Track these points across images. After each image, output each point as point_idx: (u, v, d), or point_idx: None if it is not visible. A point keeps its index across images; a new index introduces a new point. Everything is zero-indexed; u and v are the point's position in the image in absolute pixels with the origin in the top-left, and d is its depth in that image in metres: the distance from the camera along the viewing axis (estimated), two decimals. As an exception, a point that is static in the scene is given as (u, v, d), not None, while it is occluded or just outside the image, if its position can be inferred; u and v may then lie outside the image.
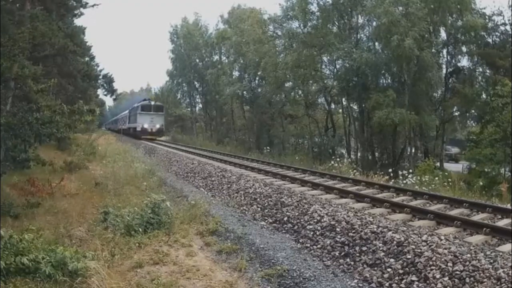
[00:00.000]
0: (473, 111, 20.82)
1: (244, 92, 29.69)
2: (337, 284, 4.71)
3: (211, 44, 37.87)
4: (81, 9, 14.61)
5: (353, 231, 5.84)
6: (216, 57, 38.99)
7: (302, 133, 27.07)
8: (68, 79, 16.44)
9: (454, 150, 26.45)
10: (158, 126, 36.02)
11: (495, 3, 35.14)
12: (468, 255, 4.57)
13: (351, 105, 22.98)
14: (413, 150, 20.31)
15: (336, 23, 23.05)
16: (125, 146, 26.19)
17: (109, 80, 18.43)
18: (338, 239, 5.82)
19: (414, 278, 4.54)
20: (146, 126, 35.30)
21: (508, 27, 19.75)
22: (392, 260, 4.95)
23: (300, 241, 6.19)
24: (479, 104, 18.82)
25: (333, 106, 25.57)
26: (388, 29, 18.05)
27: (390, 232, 5.46)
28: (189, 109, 45.56)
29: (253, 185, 9.59)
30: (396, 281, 4.60)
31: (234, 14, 34.64)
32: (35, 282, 4.43)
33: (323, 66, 24.18)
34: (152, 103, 37.35)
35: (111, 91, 19.25)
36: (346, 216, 6.36)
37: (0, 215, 6.88)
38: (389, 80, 21.81)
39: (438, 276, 4.40)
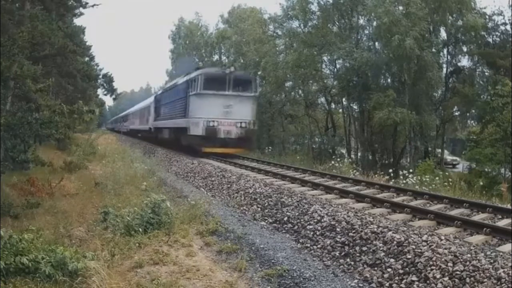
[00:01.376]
0: (473, 111, 20.82)
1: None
2: (337, 284, 4.71)
3: (211, 44, 37.83)
4: (81, 9, 14.59)
5: (353, 231, 5.83)
6: (216, 57, 38.98)
7: (302, 133, 27.07)
8: (67, 79, 16.44)
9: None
10: (243, 124, 16.01)
11: (496, 2, 35.27)
12: (469, 255, 4.56)
13: (351, 105, 23.00)
14: (413, 150, 20.31)
15: (337, 23, 23.07)
16: (125, 146, 26.20)
17: (109, 80, 18.39)
18: (338, 239, 5.81)
19: (414, 278, 4.53)
20: (214, 124, 15.58)
21: (508, 27, 19.76)
22: (392, 260, 4.95)
23: (300, 241, 6.18)
24: (480, 104, 18.82)
25: (333, 106, 25.59)
26: (388, 29, 18.06)
27: (390, 232, 5.45)
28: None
29: (253, 185, 9.58)
30: (396, 281, 4.59)
31: (234, 13, 34.62)
32: (35, 282, 4.43)
33: (323, 66, 24.21)
34: (232, 69, 16.74)
35: (111, 90, 19.21)
36: (346, 216, 6.35)
37: (0, 215, 6.88)
38: (389, 80, 21.83)
39: (438, 276, 4.39)
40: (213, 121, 15.63)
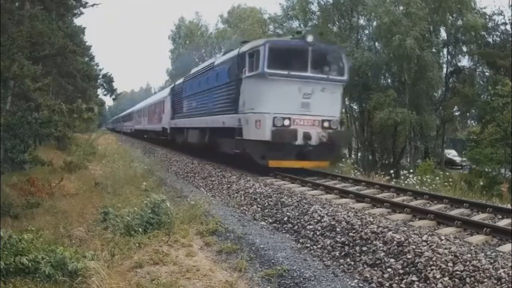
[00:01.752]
0: (473, 111, 20.85)
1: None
2: (337, 284, 4.70)
3: (211, 44, 37.87)
4: (81, 9, 14.60)
5: (353, 231, 5.82)
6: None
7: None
8: (67, 79, 16.44)
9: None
10: (330, 123, 10.14)
11: (496, 2, 35.32)
12: (469, 255, 4.56)
13: (352, 105, 23.01)
14: (413, 150, 20.34)
15: (337, 23, 23.09)
16: (125, 146, 26.19)
17: (108, 80, 18.38)
18: (338, 239, 5.80)
19: (414, 278, 4.52)
20: (287, 122, 9.71)
21: (508, 27, 19.80)
22: (392, 260, 4.94)
23: (300, 241, 6.17)
24: (480, 104, 18.85)
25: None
26: (389, 29, 18.10)
27: (391, 232, 5.44)
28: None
29: (253, 185, 9.57)
30: (396, 281, 4.59)
31: (234, 13, 34.66)
32: (35, 282, 4.44)
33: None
34: (310, 38, 9.98)
35: (110, 90, 19.19)
36: (346, 216, 6.34)
37: (0, 215, 6.88)
38: (389, 80, 21.87)
39: (438, 276, 4.39)
40: (286, 118, 9.73)
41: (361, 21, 22.72)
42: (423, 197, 8.29)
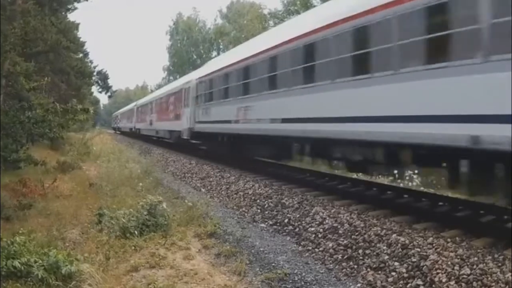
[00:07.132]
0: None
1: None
2: (340, 289, 4.59)
3: (209, 40, 37.65)
4: (75, 4, 14.39)
5: (356, 233, 5.71)
6: (214, 53, 38.77)
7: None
8: (61, 76, 16.20)
9: None
10: None
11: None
12: (475, 258, 4.45)
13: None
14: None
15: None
16: (120, 145, 25.99)
17: (103, 77, 18.17)
18: (340, 242, 5.68)
19: (419, 282, 4.41)
20: None
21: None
22: (396, 263, 4.83)
23: (302, 243, 6.05)
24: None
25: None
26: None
27: (395, 235, 5.33)
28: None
29: (252, 186, 9.44)
30: (401, 285, 4.47)
31: (233, 8, 34.48)
32: (27, 286, 4.31)
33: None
34: None
35: (106, 88, 18.97)
36: (349, 218, 6.22)
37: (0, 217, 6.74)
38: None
39: (444, 280, 4.28)
40: None
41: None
42: (428, 198, 8.14)
